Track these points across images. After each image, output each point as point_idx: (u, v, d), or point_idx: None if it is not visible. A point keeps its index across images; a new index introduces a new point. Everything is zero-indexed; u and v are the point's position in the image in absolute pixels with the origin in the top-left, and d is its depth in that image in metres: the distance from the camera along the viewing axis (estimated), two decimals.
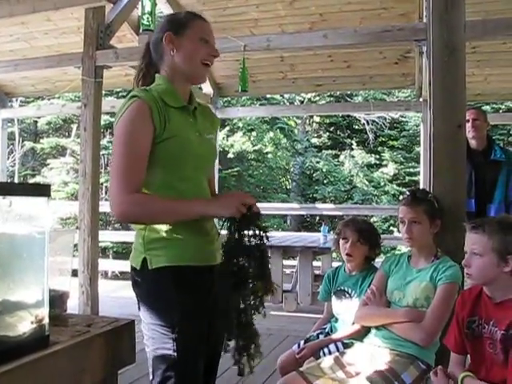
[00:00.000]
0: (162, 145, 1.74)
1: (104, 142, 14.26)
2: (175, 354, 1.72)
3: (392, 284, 2.48)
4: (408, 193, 2.55)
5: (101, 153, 6.04)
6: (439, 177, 2.65)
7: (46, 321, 1.66)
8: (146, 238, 1.79)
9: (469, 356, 2.04)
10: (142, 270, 1.78)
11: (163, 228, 1.75)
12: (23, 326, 1.59)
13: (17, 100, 12.64)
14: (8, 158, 11.33)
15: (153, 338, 1.78)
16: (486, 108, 11.61)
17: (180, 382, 1.72)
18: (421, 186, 7.12)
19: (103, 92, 5.78)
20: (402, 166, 15.63)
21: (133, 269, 1.84)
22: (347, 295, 2.76)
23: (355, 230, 2.70)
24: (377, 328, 2.43)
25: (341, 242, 2.76)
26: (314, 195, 15.77)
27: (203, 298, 1.77)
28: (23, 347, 1.56)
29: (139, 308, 1.84)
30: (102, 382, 1.90)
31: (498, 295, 1.89)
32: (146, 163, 1.73)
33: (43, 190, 1.63)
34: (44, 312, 1.65)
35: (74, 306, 5.27)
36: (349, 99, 15.24)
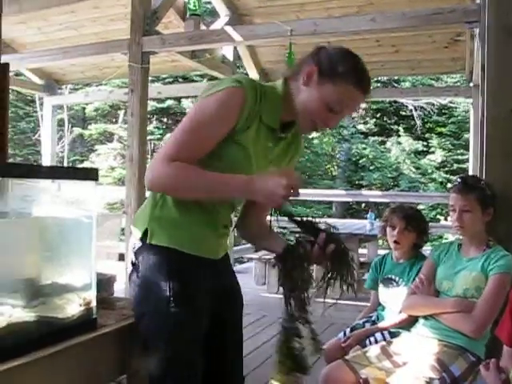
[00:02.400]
0: (227, 142, 1.60)
1: (151, 127, 14.47)
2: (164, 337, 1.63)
3: (441, 273, 2.42)
4: (459, 180, 2.47)
5: (147, 138, 6.12)
6: (491, 163, 2.56)
7: (94, 304, 1.68)
8: (156, 209, 1.67)
9: None
10: (141, 240, 1.67)
11: (174, 209, 1.64)
12: (71, 308, 1.62)
13: (66, 87, 12.89)
14: (58, 143, 11.58)
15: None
16: None
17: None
18: (470, 173, 6.93)
19: (150, 78, 5.82)
20: (450, 153, 15.30)
21: (134, 241, 1.72)
22: (394, 283, 2.71)
23: (403, 217, 2.64)
24: (425, 318, 2.38)
25: (388, 229, 2.70)
26: (360, 182, 15.61)
27: (198, 288, 1.67)
28: (71, 329, 1.59)
29: (130, 275, 1.72)
30: None
31: None
32: (204, 153, 1.57)
33: (91, 174, 1.65)
34: (92, 295, 1.68)
35: (121, 289, 5.36)
36: (396, 85, 14.96)
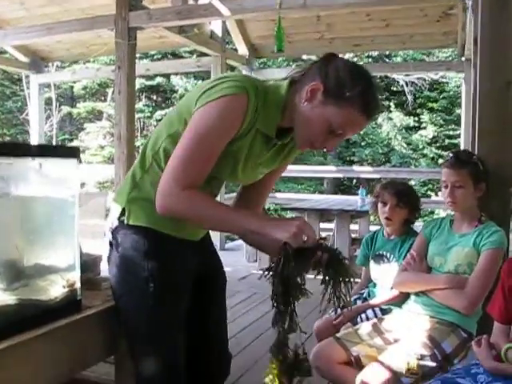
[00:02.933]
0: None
1: (139, 105, 14.35)
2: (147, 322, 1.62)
3: (433, 249, 2.39)
4: (451, 155, 2.42)
5: (136, 116, 6.04)
6: (484, 138, 2.51)
7: (78, 285, 1.64)
8: (135, 190, 1.64)
9: None
10: (119, 219, 1.64)
11: (153, 190, 1.55)
12: (55, 290, 1.58)
13: (53, 65, 12.70)
14: (46, 122, 11.45)
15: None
16: None
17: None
18: (462, 149, 6.92)
19: (138, 55, 5.73)
20: (442, 129, 15.29)
21: (111, 219, 1.68)
22: (386, 260, 2.68)
23: (394, 194, 2.60)
24: (416, 294, 2.36)
25: (379, 205, 2.67)
26: (351, 158, 15.59)
27: (177, 269, 1.65)
28: (55, 311, 1.55)
29: (109, 255, 1.70)
30: None
31: None
32: (211, 167, 1.51)
33: (72, 152, 1.60)
34: (76, 276, 1.64)
35: (107, 269, 5.31)
36: (387, 60, 14.86)
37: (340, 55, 1.63)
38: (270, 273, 1.46)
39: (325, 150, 1.60)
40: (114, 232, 1.66)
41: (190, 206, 1.47)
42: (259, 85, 1.55)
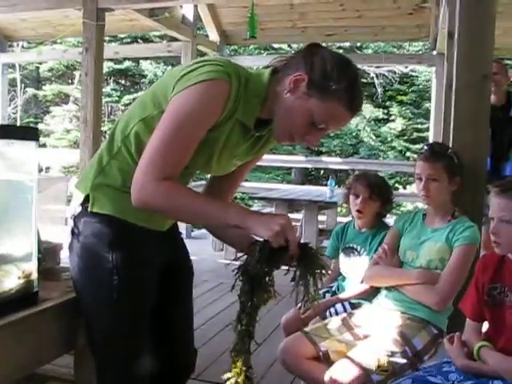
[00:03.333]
0: None
1: (107, 89, 14.08)
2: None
3: (405, 243, 2.34)
4: (426, 147, 2.38)
5: (104, 100, 5.89)
6: (460, 130, 2.47)
7: (35, 276, 1.55)
8: (101, 176, 1.54)
9: (485, 324, 1.92)
10: (82, 206, 1.54)
11: (120, 176, 1.52)
12: (9, 281, 1.48)
13: (18, 45, 12.34)
14: (10, 104, 11.14)
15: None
16: None
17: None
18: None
19: (106, 38, 5.58)
20: (411, 122, 15.41)
21: (74, 205, 1.58)
22: (356, 253, 2.63)
23: (367, 186, 2.55)
24: (387, 289, 2.31)
25: (351, 197, 2.61)
26: (320, 148, 15.58)
27: (143, 260, 1.56)
28: (9, 304, 1.45)
29: (70, 244, 1.59)
30: None
31: None
32: (190, 156, 1.42)
33: (31, 134, 1.49)
34: (32, 266, 1.54)
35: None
36: (358, 52, 14.87)
37: None
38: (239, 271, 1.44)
39: (305, 144, 1.55)
40: (76, 219, 1.56)
41: (169, 199, 1.39)
42: (241, 72, 1.47)
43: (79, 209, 1.55)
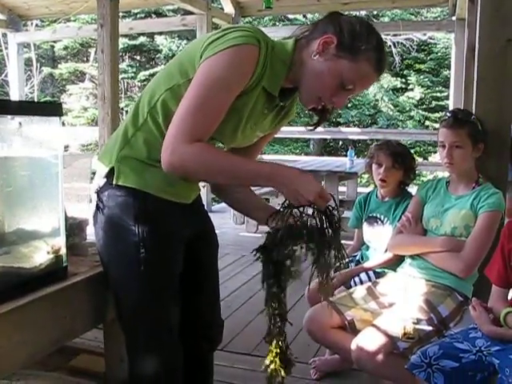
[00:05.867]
0: None
1: (123, 65, 14.07)
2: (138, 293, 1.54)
3: (429, 211, 2.33)
4: (449, 114, 2.34)
5: (120, 77, 5.87)
6: (483, 96, 2.42)
7: (64, 251, 1.56)
8: (126, 148, 1.53)
9: (511, 290, 1.91)
10: (106, 179, 1.52)
11: (145, 148, 1.50)
12: (39, 256, 1.50)
13: (32, 24, 12.33)
14: (26, 84, 11.17)
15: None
16: None
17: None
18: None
19: (120, 14, 5.54)
20: (429, 91, 15.18)
21: (97, 179, 1.57)
22: (379, 222, 2.62)
23: (390, 155, 2.52)
24: (411, 257, 2.31)
25: (373, 166, 2.59)
26: (338, 119, 15.45)
27: (169, 232, 1.56)
28: (40, 279, 1.47)
29: (94, 218, 1.58)
30: None
31: None
32: (219, 122, 1.40)
33: (54, 109, 1.49)
34: (61, 241, 1.56)
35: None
36: (375, 20, 14.63)
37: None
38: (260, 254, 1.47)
39: (332, 107, 1.55)
40: (100, 193, 1.55)
41: (201, 158, 1.36)
42: (268, 39, 1.46)
43: (103, 181, 1.54)
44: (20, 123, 1.43)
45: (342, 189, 6.64)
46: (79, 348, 2.39)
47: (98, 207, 1.56)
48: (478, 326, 1.84)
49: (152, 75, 14.78)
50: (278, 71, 1.46)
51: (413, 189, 2.75)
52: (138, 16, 13.78)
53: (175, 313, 1.61)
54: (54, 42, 14.47)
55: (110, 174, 1.52)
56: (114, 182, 1.51)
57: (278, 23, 13.98)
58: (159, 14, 13.99)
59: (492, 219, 2.14)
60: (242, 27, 1.42)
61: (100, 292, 1.65)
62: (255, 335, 2.73)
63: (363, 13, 13.47)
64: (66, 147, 11.97)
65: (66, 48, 15.54)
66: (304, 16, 13.61)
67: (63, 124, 1.55)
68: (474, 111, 2.44)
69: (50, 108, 1.53)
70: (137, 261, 1.50)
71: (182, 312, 1.67)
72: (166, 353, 1.58)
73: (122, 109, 13.46)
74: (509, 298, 1.91)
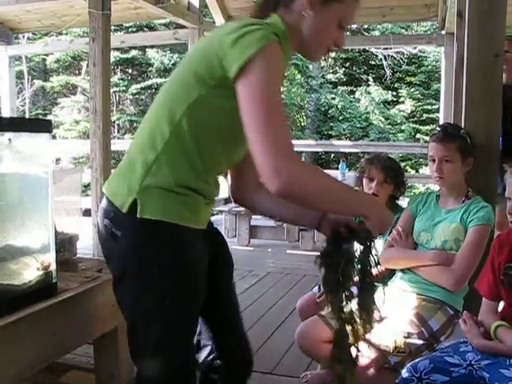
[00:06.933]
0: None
1: (114, 78, 14.07)
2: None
3: (419, 225, 2.34)
4: (438, 128, 2.36)
5: (112, 90, 5.88)
6: (472, 110, 2.45)
7: (54, 267, 1.56)
8: (149, 176, 1.40)
9: (501, 303, 1.92)
10: (129, 212, 1.40)
11: (170, 175, 1.40)
12: (29, 273, 1.49)
13: (24, 37, 12.34)
14: (18, 97, 11.17)
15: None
16: None
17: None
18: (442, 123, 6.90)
19: (112, 27, 5.56)
20: (420, 103, 15.30)
21: (112, 209, 1.44)
22: None
23: (381, 169, 2.53)
24: (402, 271, 2.31)
25: (365, 180, 2.60)
26: (329, 132, 15.54)
27: (203, 263, 1.51)
28: (29, 296, 1.46)
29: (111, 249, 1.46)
30: (113, 331, 1.81)
31: None
32: None
33: (44, 126, 1.49)
34: (50, 257, 1.55)
35: (88, 246, 5.21)
36: (366, 33, 14.76)
37: None
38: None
39: (337, 47, 1.55)
40: (119, 225, 1.42)
41: (314, 179, 1.32)
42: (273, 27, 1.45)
43: (121, 214, 1.41)
44: (10, 139, 1.43)
45: None
46: (69, 364, 2.37)
47: (114, 237, 1.43)
48: (469, 339, 1.85)
49: (144, 88, 14.82)
50: (287, 49, 1.47)
51: (404, 201, 2.77)
52: (130, 30, 13.83)
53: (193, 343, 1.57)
54: (46, 54, 14.49)
55: (132, 207, 1.40)
56: (138, 215, 1.39)
57: None
58: (151, 28, 14.05)
59: (482, 233, 2.16)
60: (252, 23, 1.37)
61: (90, 308, 1.65)
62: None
63: (354, 26, 13.60)
64: (58, 160, 11.94)
65: (57, 61, 15.56)
66: None
67: (54, 137, 1.53)
68: (463, 125, 2.46)
69: (40, 124, 1.53)
70: (163, 293, 1.41)
71: (211, 335, 1.64)
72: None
73: (114, 122, 13.48)
74: (499, 310, 1.92)
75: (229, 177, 1.74)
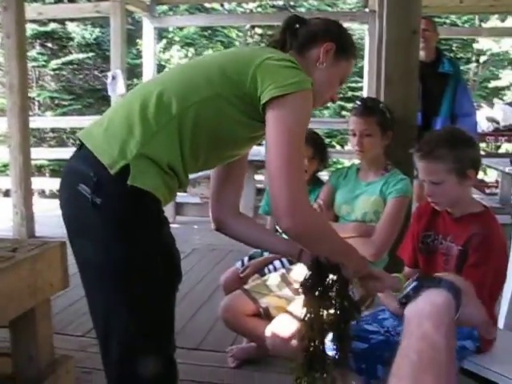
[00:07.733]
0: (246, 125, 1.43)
1: (33, 53, 13.47)
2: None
3: (340, 198, 2.38)
4: (359, 103, 2.40)
5: (30, 65, 5.62)
6: (390, 86, 2.50)
7: None
8: (144, 146, 1.33)
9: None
10: (116, 178, 1.30)
11: (164, 158, 1.34)
12: None
13: None
14: None
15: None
16: None
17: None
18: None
19: None
20: None
21: (93, 168, 1.33)
22: None
23: (310, 146, 2.55)
24: None
25: None
26: None
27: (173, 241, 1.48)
28: None
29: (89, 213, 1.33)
30: (31, 312, 1.75)
31: (458, 211, 1.82)
32: None
33: None
34: None
35: (7, 227, 5.02)
36: (292, 10, 14.78)
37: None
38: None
39: (332, 102, 1.66)
40: (100, 190, 1.31)
41: (325, 229, 1.48)
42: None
43: (106, 176, 1.31)
44: None
45: (259, 177, 6.68)
46: None
47: (94, 204, 1.31)
48: (385, 305, 1.91)
49: (65, 64, 14.25)
50: None
51: (326, 175, 2.80)
52: (48, 1, 13.24)
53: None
54: None
55: (122, 171, 1.31)
56: (129, 182, 1.30)
57: (194, 11, 13.83)
58: (71, 1, 13.51)
59: (400, 205, 2.22)
60: (294, 64, 1.41)
61: (4, 289, 1.58)
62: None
63: (280, 3, 13.62)
64: None
65: None
66: (221, 5, 13.55)
67: None
68: (382, 100, 2.52)
69: None
70: (159, 277, 1.38)
71: None
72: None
73: (34, 98, 12.95)
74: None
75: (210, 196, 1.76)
